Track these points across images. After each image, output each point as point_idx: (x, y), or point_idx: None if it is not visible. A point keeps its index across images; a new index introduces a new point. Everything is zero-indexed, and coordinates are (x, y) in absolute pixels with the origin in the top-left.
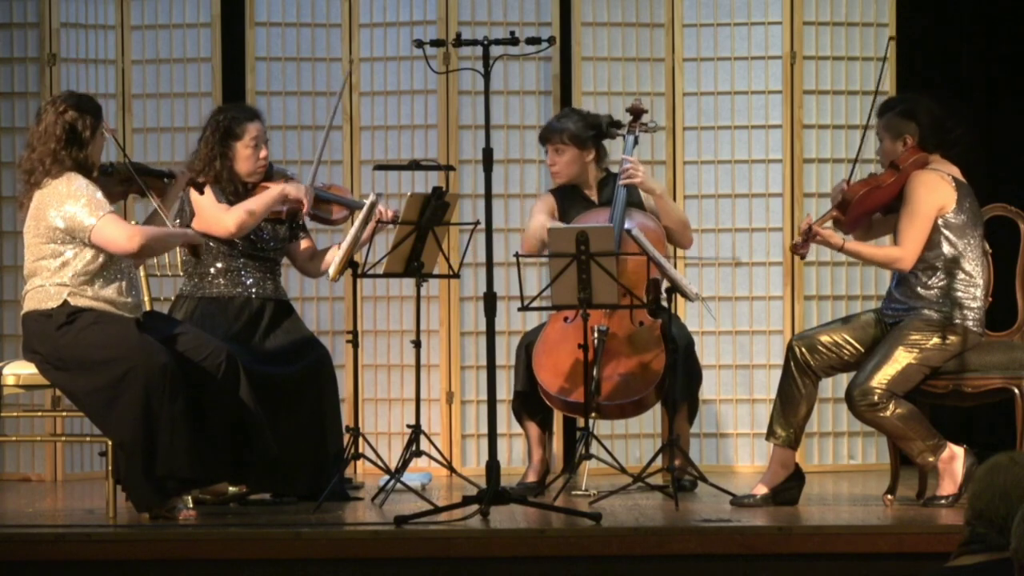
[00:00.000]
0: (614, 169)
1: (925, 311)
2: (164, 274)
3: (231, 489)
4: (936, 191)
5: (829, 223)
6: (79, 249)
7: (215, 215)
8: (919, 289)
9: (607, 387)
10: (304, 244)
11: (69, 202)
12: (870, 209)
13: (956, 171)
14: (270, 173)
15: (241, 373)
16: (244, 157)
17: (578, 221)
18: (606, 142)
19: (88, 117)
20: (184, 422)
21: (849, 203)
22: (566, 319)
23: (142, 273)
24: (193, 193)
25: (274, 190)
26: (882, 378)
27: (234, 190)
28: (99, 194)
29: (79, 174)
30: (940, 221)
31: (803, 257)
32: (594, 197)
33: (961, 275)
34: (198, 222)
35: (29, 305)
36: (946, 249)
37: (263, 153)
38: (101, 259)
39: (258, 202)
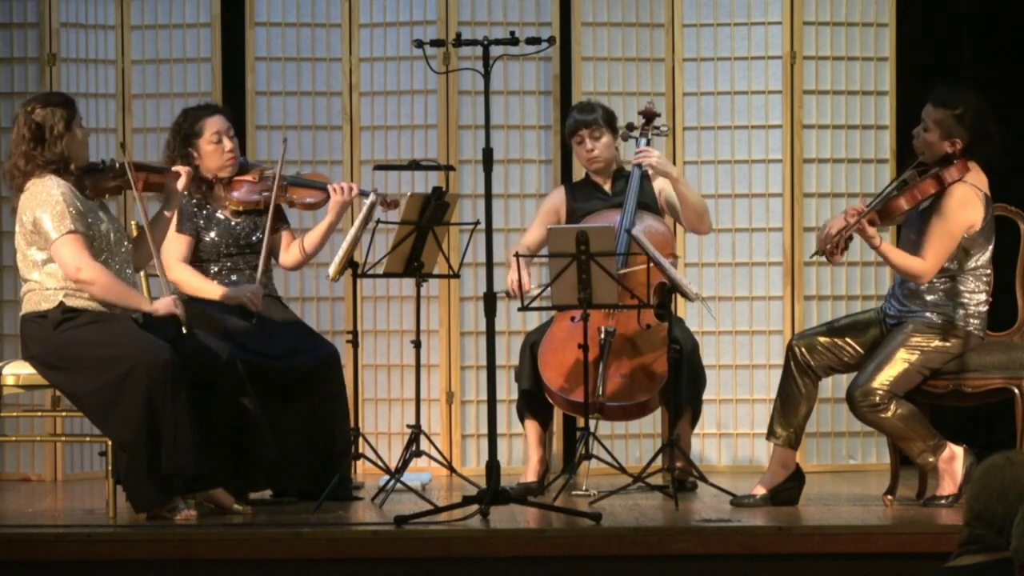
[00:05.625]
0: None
1: (927, 314)
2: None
3: (236, 507)
4: (970, 209)
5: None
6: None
7: (169, 256)
8: (923, 292)
9: (612, 388)
10: (285, 236)
11: (39, 208)
12: (905, 214)
13: (986, 182)
14: (245, 168)
15: (243, 379)
16: (208, 153)
17: (587, 222)
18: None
19: (58, 111)
20: (187, 418)
21: (892, 214)
22: (573, 319)
23: (141, 274)
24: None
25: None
26: (883, 379)
27: (210, 187)
28: (72, 209)
29: (57, 176)
30: (963, 236)
31: (835, 263)
32: (608, 188)
33: (968, 280)
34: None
35: (26, 307)
36: (959, 257)
37: (228, 146)
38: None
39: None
